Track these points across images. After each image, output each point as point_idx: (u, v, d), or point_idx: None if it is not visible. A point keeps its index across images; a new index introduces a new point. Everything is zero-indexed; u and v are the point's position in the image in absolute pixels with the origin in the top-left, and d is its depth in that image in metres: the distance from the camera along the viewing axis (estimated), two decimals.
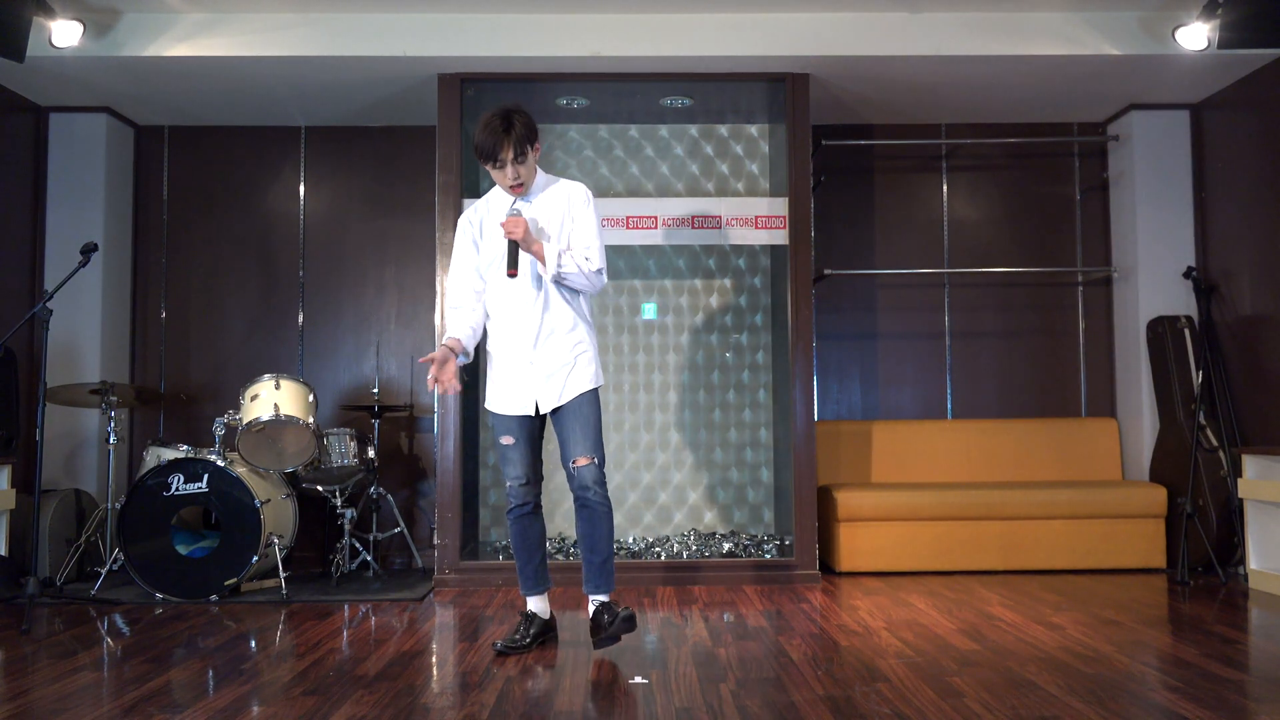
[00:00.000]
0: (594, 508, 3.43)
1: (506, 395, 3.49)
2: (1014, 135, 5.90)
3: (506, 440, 3.49)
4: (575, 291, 3.48)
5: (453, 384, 3.35)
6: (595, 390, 3.50)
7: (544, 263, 3.36)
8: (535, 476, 3.55)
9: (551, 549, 5.23)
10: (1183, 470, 5.17)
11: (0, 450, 4.90)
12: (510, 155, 3.33)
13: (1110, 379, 5.90)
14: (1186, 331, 5.39)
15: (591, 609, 3.46)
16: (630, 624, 3.37)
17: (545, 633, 3.62)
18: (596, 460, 3.42)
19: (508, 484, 3.54)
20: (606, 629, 3.38)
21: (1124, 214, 5.77)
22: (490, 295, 3.51)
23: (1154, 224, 5.61)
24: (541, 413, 3.47)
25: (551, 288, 3.44)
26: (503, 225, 3.32)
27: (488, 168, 3.39)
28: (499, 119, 3.31)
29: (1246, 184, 5.21)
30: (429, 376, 3.33)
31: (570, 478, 3.45)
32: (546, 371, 3.43)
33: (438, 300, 5.05)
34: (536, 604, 3.61)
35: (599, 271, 3.44)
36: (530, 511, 3.56)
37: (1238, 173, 5.29)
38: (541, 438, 3.56)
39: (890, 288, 5.94)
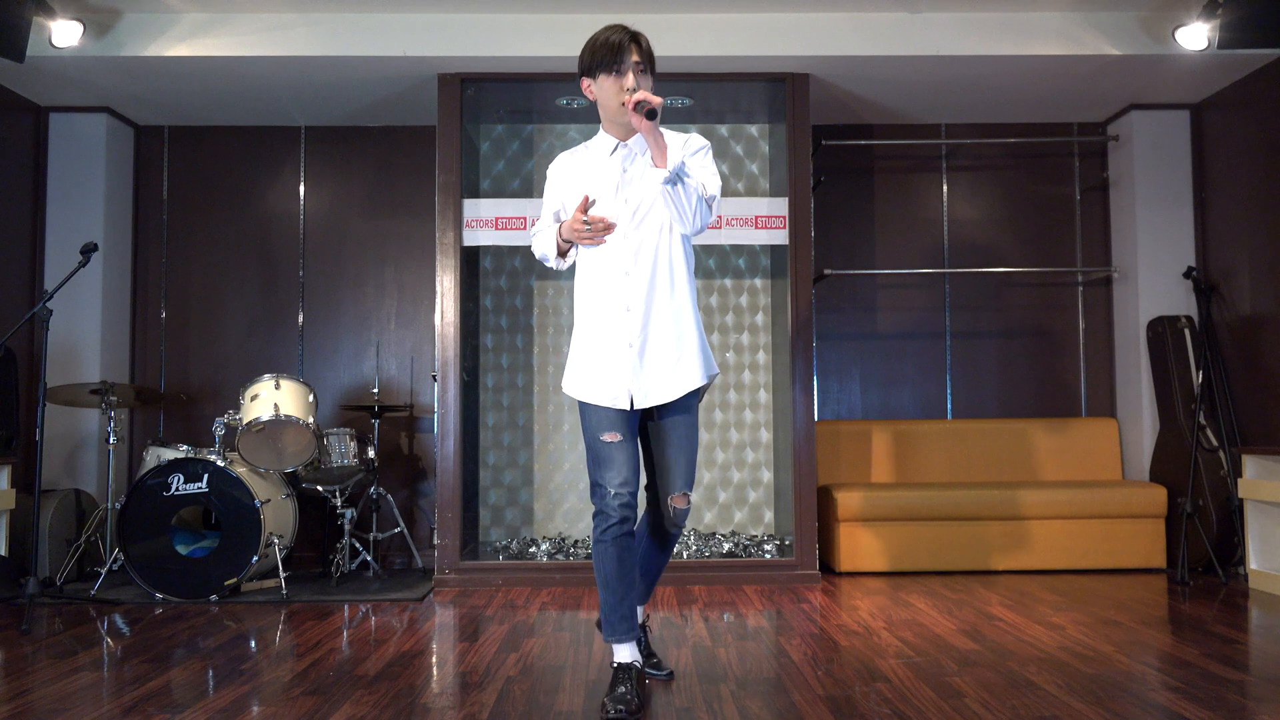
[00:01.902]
0: (674, 539, 3.07)
1: (598, 381, 2.91)
2: (1014, 135, 5.90)
3: (611, 437, 2.86)
4: (683, 256, 2.97)
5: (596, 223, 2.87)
6: (703, 391, 2.99)
7: (664, 155, 2.77)
8: (638, 482, 2.91)
9: (551, 549, 5.23)
10: (1183, 470, 5.17)
11: (0, 450, 4.90)
12: (634, 59, 2.85)
13: (1110, 379, 5.90)
14: (1186, 331, 5.39)
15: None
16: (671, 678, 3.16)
17: (642, 685, 3.01)
18: (690, 493, 2.99)
19: (610, 492, 2.85)
20: (652, 656, 3.21)
21: (1124, 214, 5.77)
22: (581, 259, 3.00)
23: (1154, 224, 5.61)
24: (638, 408, 2.90)
25: (660, 246, 2.92)
26: (635, 97, 2.71)
27: (596, 80, 2.90)
28: (618, 27, 2.89)
29: (1246, 184, 5.21)
30: (588, 225, 2.85)
31: (660, 505, 3.01)
32: (649, 356, 2.89)
33: (438, 300, 5.05)
34: (631, 652, 2.92)
35: (714, 200, 2.89)
36: (631, 530, 2.89)
37: (1238, 173, 5.29)
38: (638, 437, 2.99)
39: (890, 288, 5.94)
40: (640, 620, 3.13)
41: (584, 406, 2.94)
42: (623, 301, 2.90)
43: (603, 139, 3.02)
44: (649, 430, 2.99)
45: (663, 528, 3.03)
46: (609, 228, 2.88)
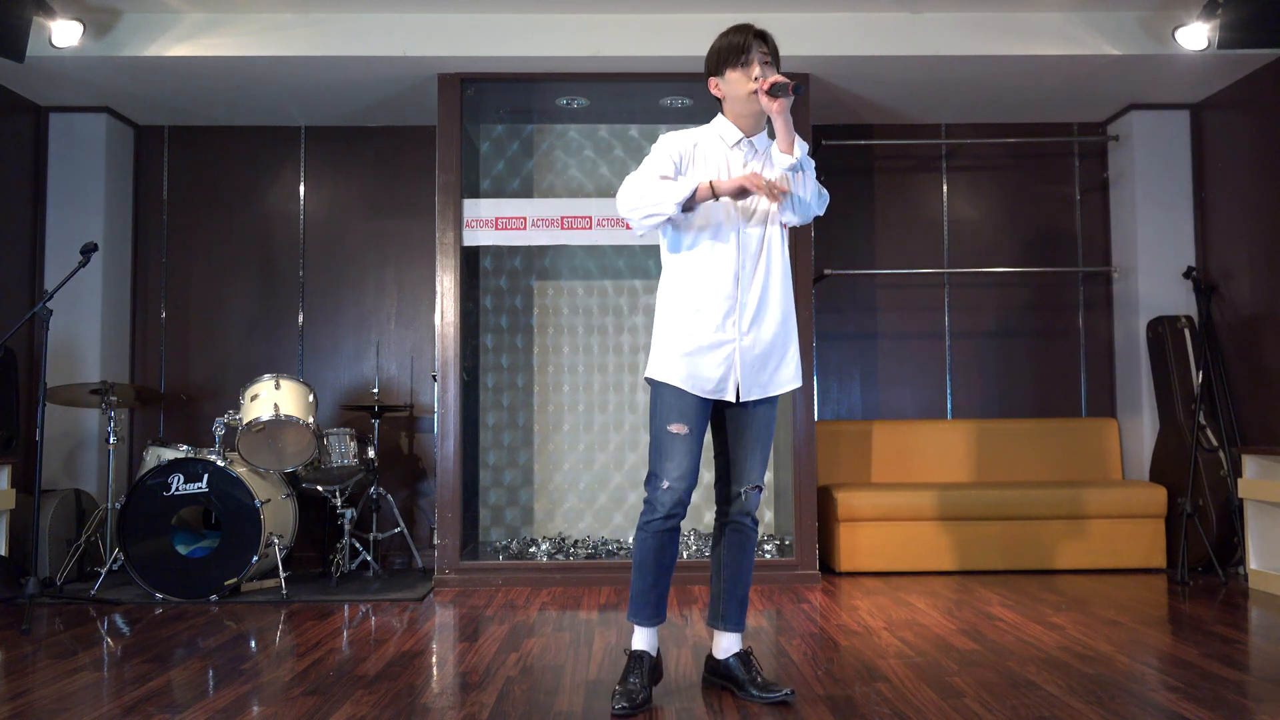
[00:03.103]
0: (749, 533, 3.00)
1: (697, 369, 2.88)
2: (1014, 135, 5.90)
3: (679, 429, 2.85)
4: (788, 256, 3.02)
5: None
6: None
7: (792, 142, 2.81)
8: (695, 480, 2.90)
9: (551, 549, 5.23)
10: (1183, 470, 5.17)
11: (0, 450, 4.90)
12: (762, 51, 2.88)
13: (1110, 379, 5.90)
14: (1186, 331, 5.39)
15: (730, 651, 2.98)
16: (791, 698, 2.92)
17: (655, 676, 2.96)
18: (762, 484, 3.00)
19: (665, 484, 2.85)
20: (767, 682, 2.92)
21: (1124, 214, 5.77)
22: (695, 248, 2.94)
23: (1154, 224, 5.61)
24: (742, 400, 2.91)
25: (776, 244, 2.95)
26: (771, 79, 2.78)
27: (724, 76, 2.91)
28: (742, 27, 2.92)
29: (1246, 184, 5.21)
30: (766, 186, 2.81)
31: (731, 499, 2.99)
32: (758, 351, 2.92)
33: (438, 300, 5.05)
34: (648, 639, 2.93)
35: (825, 198, 2.97)
36: (677, 526, 2.89)
37: (1238, 173, 5.29)
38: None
39: (890, 288, 5.94)
40: (741, 649, 2.99)
41: (659, 394, 2.91)
42: (737, 296, 2.91)
43: (726, 128, 2.98)
44: (728, 421, 2.98)
45: (739, 522, 2.99)
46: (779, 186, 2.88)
